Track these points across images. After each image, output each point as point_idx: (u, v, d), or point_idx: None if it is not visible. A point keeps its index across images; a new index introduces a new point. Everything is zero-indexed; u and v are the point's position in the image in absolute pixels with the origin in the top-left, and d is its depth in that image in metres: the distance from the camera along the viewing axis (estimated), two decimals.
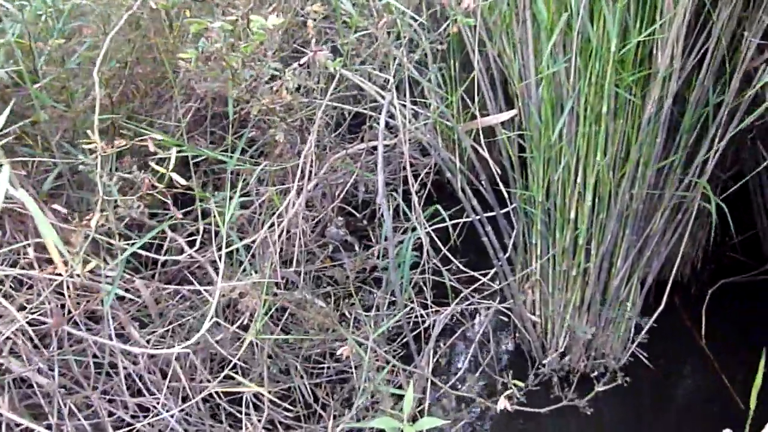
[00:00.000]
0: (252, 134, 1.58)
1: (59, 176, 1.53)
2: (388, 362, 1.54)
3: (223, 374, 1.34)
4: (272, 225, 1.45)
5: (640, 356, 1.91)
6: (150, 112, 1.89)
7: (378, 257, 2.45)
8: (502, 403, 1.26)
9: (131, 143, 1.14)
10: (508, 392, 1.32)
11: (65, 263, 0.94)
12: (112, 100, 1.48)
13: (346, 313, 2.03)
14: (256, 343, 1.56)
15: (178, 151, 1.40)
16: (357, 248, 2.47)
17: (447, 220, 1.71)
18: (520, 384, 1.46)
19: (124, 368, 1.38)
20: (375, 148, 1.79)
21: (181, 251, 1.67)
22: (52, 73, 1.37)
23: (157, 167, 1.15)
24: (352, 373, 1.65)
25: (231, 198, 1.49)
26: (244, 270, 1.49)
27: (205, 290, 1.58)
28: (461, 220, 1.79)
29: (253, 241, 1.50)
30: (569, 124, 1.56)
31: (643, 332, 1.86)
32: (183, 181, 1.16)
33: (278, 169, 1.45)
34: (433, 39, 1.41)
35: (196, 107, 1.95)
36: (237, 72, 1.12)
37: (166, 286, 1.60)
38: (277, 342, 1.68)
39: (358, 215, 2.58)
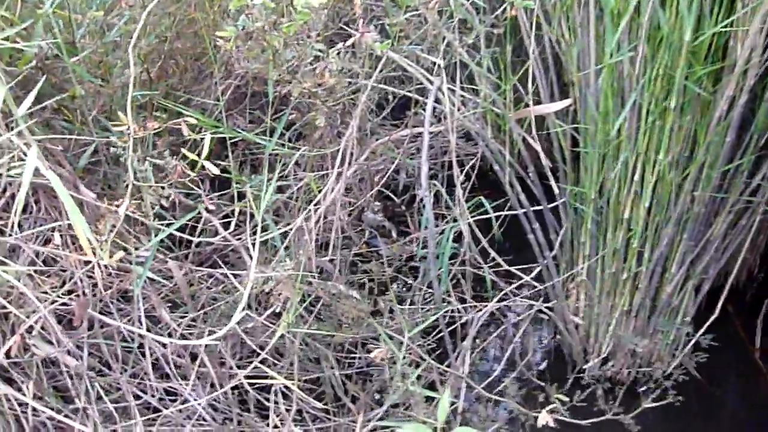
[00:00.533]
0: (292, 117, 1.51)
1: (96, 152, 1.50)
2: (422, 359, 1.48)
3: (252, 366, 1.30)
4: (309, 212, 1.39)
5: (689, 367, 1.80)
6: (189, 88, 1.84)
7: (415, 245, 2.38)
8: (544, 419, 1.18)
9: (165, 125, 1.09)
10: (551, 406, 1.24)
11: (94, 250, 0.90)
12: (150, 76, 1.43)
13: (381, 303, 1.98)
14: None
15: (216, 132, 1.34)
16: (394, 235, 2.40)
17: (491, 212, 1.62)
18: (564, 399, 1.38)
19: (152, 353, 1.35)
20: (419, 134, 1.71)
21: (216, 233, 1.63)
22: (90, 46, 1.33)
23: (189, 154, 1.10)
24: (384, 366, 1.60)
25: (268, 182, 1.43)
26: (279, 258, 1.44)
27: (237, 276, 1.54)
28: (505, 213, 1.70)
29: (289, 228, 1.45)
30: (630, 118, 1.45)
31: (693, 341, 1.75)
32: (215, 170, 1.10)
33: (318, 155, 1.39)
34: (488, 22, 1.31)
35: (236, 84, 1.90)
36: (278, 52, 1.05)
37: (199, 268, 1.56)
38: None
39: (396, 200, 2.51)
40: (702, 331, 1.73)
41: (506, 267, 1.60)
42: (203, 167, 1.95)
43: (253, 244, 1.37)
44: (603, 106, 1.47)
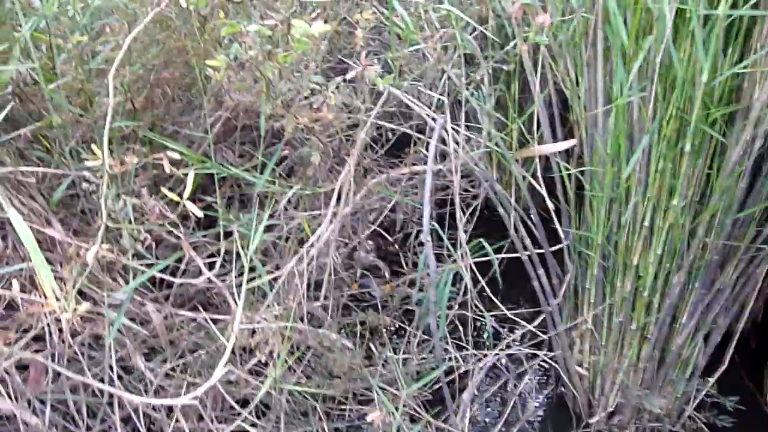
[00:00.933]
0: (284, 152, 1.43)
1: (73, 184, 1.40)
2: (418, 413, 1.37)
3: (235, 423, 1.18)
4: (300, 256, 1.29)
5: (698, 420, 1.70)
6: (177, 119, 1.76)
7: (409, 285, 2.29)
8: None
9: (146, 160, 1.00)
10: None
11: (59, 298, 0.79)
12: (135, 106, 1.34)
13: (375, 351, 1.87)
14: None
15: (201, 167, 1.25)
16: (387, 275, 2.30)
17: (492, 255, 1.53)
18: None
19: (123, 408, 1.24)
20: (416, 172, 1.64)
21: (200, 272, 1.52)
22: (72, 73, 1.24)
23: (169, 193, 1.00)
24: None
25: (257, 222, 1.34)
26: (267, 304, 1.34)
27: (221, 321, 1.43)
28: (507, 256, 1.62)
29: (279, 272, 1.35)
30: (640, 160, 1.38)
31: (702, 394, 1.66)
32: (198, 211, 1.01)
33: (309, 195, 1.30)
34: (497, 57, 1.24)
35: (226, 117, 1.82)
36: (273, 84, 0.97)
37: (180, 312, 1.45)
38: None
39: (389, 238, 2.42)
40: (712, 382, 1.64)
41: (509, 314, 1.50)
42: (191, 195, 1.85)
43: (239, 288, 1.27)
44: (612, 148, 1.41)
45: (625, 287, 1.51)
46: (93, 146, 0.92)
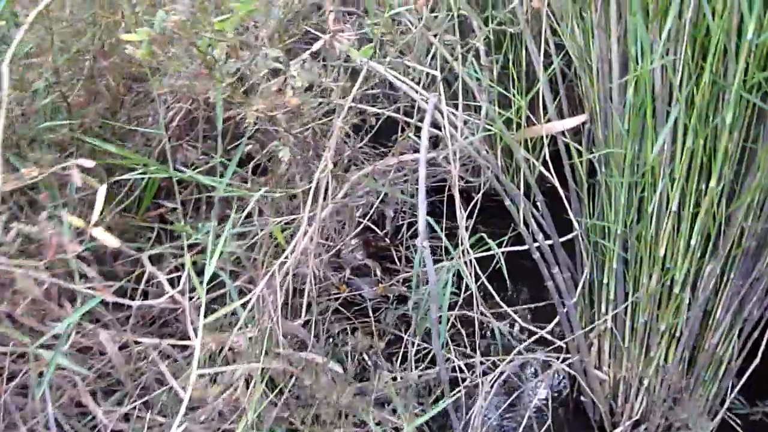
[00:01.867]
0: (248, 148, 1.22)
1: None
2: None
3: None
4: (274, 270, 1.09)
5: (733, 424, 1.53)
6: (134, 114, 1.54)
7: (403, 283, 2.09)
8: None
9: (54, 169, 0.79)
10: None
11: None
12: (68, 102, 1.13)
13: (367, 360, 1.68)
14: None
15: (154, 172, 1.04)
16: (378, 274, 2.11)
17: (496, 249, 1.34)
18: None
19: None
20: (406, 162, 1.43)
21: (161, 290, 1.32)
22: None
23: (75, 219, 0.79)
24: None
25: (221, 230, 1.14)
26: (237, 325, 1.14)
27: (188, 348, 1.23)
28: (509, 249, 1.43)
29: (249, 293, 1.15)
30: (666, 137, 1.19)
31: (733, 395, 1.49)
32: (113, 242, 0.80)
33: (282, 196, 1.10)
34: (499, 20, 1.04)
35: (187, 109, 1.60)
36: (217, 63, 0.76)
37: (140, 339, 1.25)
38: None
39: (379, 232, 2.21)
40: (741, 381, 1.46)
41: (517, 318, 1.31)
42: (151, 208, 1.63)
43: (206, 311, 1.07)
44: (632, 124, 1.21)
45: (651, 282, 1.32)
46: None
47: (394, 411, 1.50)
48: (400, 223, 2.26)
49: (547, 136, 1.37)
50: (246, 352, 1.14)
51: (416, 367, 1.61)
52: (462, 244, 1.09)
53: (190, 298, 1.30)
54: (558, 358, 1.44)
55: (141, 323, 1.51)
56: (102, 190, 0.78)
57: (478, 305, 1.18)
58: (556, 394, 1.62)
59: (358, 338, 1.38)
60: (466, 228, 1.26)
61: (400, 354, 1.69)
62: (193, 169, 1.41)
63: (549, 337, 1.34)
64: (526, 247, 1.26)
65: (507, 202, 1.21)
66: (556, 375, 1.64)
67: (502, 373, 1.29)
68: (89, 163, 0.79)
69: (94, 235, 0.79)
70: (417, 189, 0.96)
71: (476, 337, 1.25)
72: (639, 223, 1.30)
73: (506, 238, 1.41)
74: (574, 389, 1.62)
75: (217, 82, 0.79)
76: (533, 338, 1.35)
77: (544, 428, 1.43)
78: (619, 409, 1.50)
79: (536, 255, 1.24)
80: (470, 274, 1.11)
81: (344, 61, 0.92)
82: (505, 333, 1.33)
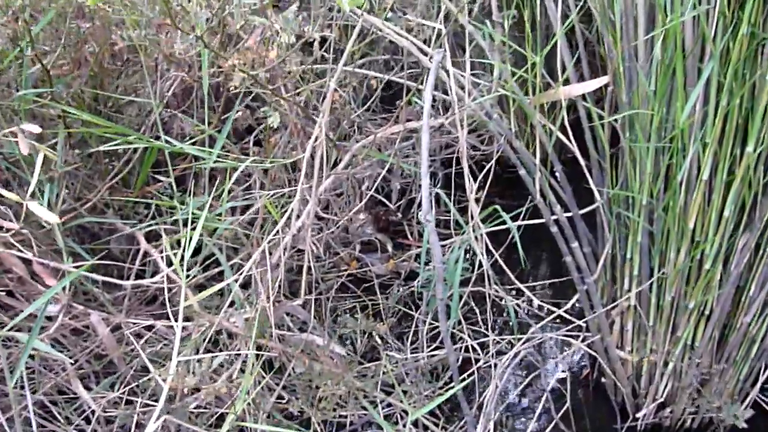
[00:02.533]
0: (238, 115, 1.13)
1: None
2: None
3: None
4: (272, 243, 1.01)
5: (764, 405, 1.44)
6: (124, 83, 1.46)
7: (415, 259, 2.01)
8: None
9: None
10: None
11: None
12: (47, 69, 1.05)
13: (377, 338, 1.61)
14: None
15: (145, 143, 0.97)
16: (389, 249, 2.03)
17: (510, 224, 1.25)
18: None
19: None
20: (414, 130, 1.34)
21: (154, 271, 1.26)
22: None
23: (7, 194, 0.72)
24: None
25: (215, 204, 1.07)
26: (231, 305, 1.07)
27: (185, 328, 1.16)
28: (525, 223, 1.34)
29: (244, 267, 1.07)
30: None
31: (766, 375, 1.39)
32: (53, 219, 0.72)
33: (279, 167, 1.01)
34: None
35: (184, 77, 1.51)
36: (187, 13, 0.67)
37: (131, 320, 1.19)
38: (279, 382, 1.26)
39: (390, 206, 2.12)
40: None
41: (536, 299, 1.22)
42: (150, 183, 1.56)
43: (199, 288, 1.01)
44: (660, 84, 1.10)
45: (679, 257, 1.22)
46: None
47: (405, 393, 1.44)
48: (412, 196, 2.17)
49: (565, 101, 1.27)
50: (241, 333, 1.07)
51: (428, 347, 1.54)
52: (472, 217, 1.00)
53: (186, 277, 1.24)
54: (577, 338, 1.36)
55: (140, 302, 1.45)
56: (40, 156, 0.71)
57: (490, 282, 1.10)
58: (574, 375, 1.53)
59: (362, 319, 1.29)
60: (477, 200, 1.17)
61: (411, 333, 1.62)
62: (189, 141, 1.33)
63: (567, 315, 1.25)
64: (543, 220, 1.17)
65: (522, 172, 1.11)
66: (574, 355, 1.56)
67: (517, 353, 1.21)
68: (34, 128, 0.71)
69: (32, 210, 0.71)
70: (422, 162, 0.87)
71: (488, 315, 1.16)
72: (666, 192, 1.19)
73: (522, 210, 1.32)
74: (594, 370, 1.53)
75: (184, 35, 0.70)
76: (551, 317, 1.26)
77: (562, 411, 1.34)
78: (643, 391, 1.42)
79: (554, 229, 1.14)
80: (482, 249, 1.02)
81: (343, 18, 0.83)
82: (521, 311, 1.25)
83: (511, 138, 1.05)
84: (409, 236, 2.10)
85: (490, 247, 1.27)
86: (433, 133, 1.95)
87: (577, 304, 1.36)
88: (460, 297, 1.58)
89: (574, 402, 1.42)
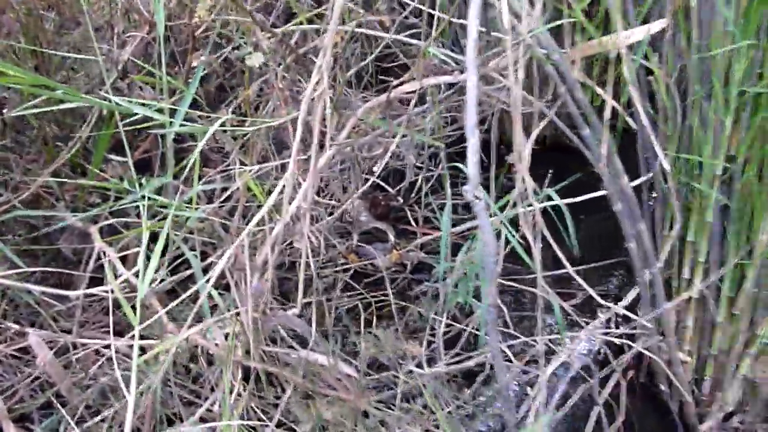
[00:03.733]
0: (203, 60, 0.87)
1: None
2: None
3: None
4: (258, 237, 0.77)
5: None
6: (81, 44, 1.20)
7: (421, 249, 1.77)
8: None
9: None
10: None
11: None
12: None
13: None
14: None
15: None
16: (392, 239, 1.78)
17: (559, 201, 1.01)
18: None
19: None
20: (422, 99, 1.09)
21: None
22: None
23: None
24: None
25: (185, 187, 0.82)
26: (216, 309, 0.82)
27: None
28: (572, 201, 1.10)
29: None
30: None
31: None
32: None
33: (257, 130, 0.76)
34: None
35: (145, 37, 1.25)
36: None
37: (82, 340, 0.93)
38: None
39: (389, 189, 1.87)
40: None
41: (595, 294, 0.99)
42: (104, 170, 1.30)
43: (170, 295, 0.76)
44: (748, 21, 0.86)
45: (761, 240, 0.99)
46: None
47: (425, 406, 1.20)
48: (414, 178, 1.92)
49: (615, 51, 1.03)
50: (223, 352, 0.82)
51: (445, 353, 1.31)
52: (523, 189, 0.74)
53: (152, 282, 0.99)
54: (630, 337, 1.13)
55: (99, 311, 1.19)
56: None
57: (541, 275, 0.86)
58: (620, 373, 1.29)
59: (386, 337, 1.05)
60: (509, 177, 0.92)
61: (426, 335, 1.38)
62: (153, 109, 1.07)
63: (633, 316, 1.02)
64: (600, 193, 0.93)
65: (585, 132, 0.86)
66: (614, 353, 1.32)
67: (567, 358, 0.98)
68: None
69: None
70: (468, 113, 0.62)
71: (538, 313, 0.92)
72: (748, 161, 0.96)
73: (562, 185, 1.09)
74: (639, 373, 1.30)
75: None
76: (607, 315, 1.03)
77: (616, 424, 1.11)
78: (708, 398, 1.19)
79: (619, 206, 0.90)
80: (535, 230, 0.78)
81: None
82: (567, 308, 1.01)
83: (574, 84, 0.81)
84: (414, 223, 1.85)
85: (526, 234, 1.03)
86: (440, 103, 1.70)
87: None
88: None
89: (630, 409, 1.18)
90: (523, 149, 0.70)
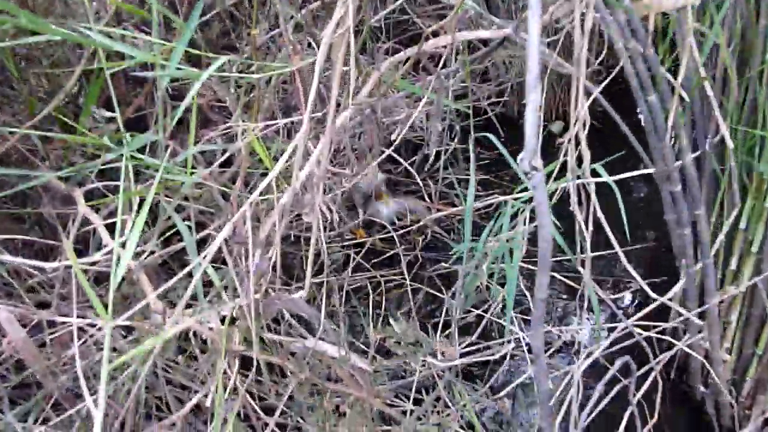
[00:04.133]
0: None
1: None
2: None
3: None
4: (247, 209, 0.65)
5: None
6: None
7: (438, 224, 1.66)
8: None
9: None
10: None
11: None
12: None
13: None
14: None
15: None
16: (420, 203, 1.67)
17: (608, 178, 0.89)
18: None
19: None
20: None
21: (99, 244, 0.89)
22: None
23: None
24: None
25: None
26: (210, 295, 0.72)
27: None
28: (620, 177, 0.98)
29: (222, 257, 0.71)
30: None
31: None
32: None
33: (264, 78, 0.64)
34: None
35: None
36: None
37: (60, 318, 0.82)
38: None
39: (402, 161, 1.74)
40: None
41: (644, 285, 0.88)
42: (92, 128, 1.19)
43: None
44: None
45: None
46: None
47: (438, 399, 1.10)
48: (426, 151, 1.79)
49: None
50: (219, 340, 0.72)
51: (460, 341, 1.20)
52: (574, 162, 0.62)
53: (137, 255, 0.87)
54: (671, 333, 1.02)
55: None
56: None
57: (588, 267, 0.74)
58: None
59: (407, 329, 0.94)
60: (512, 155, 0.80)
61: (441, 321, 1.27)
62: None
63: (680, 310, 0.90)
64: (649, 171, 0.81)
65: (651, 98, 0.73)
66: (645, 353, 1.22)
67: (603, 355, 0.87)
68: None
69: None
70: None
71: (577, 307, 0.80)
72: None
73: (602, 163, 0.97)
74: (671, 370, 1.19)
75: None
76: (652, 306, 0.92)
77: (649, 426, 1.01)
78: (748, 401, 1.09)
79: (677, 187, 0.78)
80: (589, 208, 0.67)
81: None
82: (608, 300, 0.90)
83: (645, 44, 0.68)
84: (428, 199, 1.73)
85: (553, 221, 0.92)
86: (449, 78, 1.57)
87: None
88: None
89: (663, 413, 1.08)
90: (581, 116, 0.58)
